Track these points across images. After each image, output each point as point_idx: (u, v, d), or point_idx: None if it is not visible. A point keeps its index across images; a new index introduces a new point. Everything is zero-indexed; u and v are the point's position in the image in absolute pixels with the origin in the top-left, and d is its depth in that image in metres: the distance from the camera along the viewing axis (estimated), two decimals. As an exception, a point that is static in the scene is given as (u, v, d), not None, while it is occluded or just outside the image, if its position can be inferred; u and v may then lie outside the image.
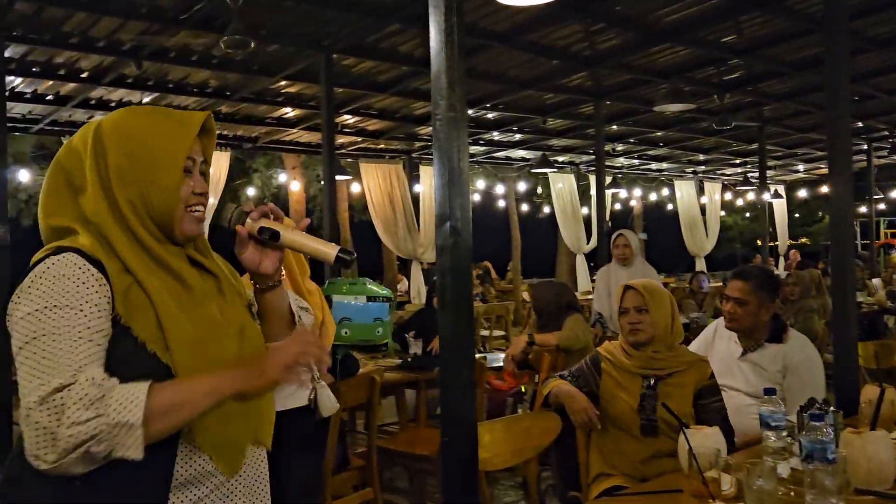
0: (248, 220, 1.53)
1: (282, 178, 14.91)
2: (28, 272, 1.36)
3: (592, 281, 14.21)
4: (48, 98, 8.16)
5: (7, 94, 7.80)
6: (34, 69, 7.24)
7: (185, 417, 1.32)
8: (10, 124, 8.88)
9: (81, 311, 1.31)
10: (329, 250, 1.53)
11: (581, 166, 14.51)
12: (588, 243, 14.33)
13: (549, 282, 6.19)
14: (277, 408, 3.27)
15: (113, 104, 8.54)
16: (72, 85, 7.73)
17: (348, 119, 9.91)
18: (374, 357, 5.43)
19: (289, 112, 9.51)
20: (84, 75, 7.52)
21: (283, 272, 3.37)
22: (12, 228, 6.62)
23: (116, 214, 1.40)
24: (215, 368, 1.38)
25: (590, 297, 9.63)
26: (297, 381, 1.45)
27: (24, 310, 1.31)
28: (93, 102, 8.43)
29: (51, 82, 7.60)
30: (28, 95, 8.02)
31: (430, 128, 10.29)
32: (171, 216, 1.43)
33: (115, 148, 1.41)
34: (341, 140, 10.81)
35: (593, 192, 13.59)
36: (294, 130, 10.25)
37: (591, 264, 14.66)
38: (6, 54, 6.72)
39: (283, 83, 8.20)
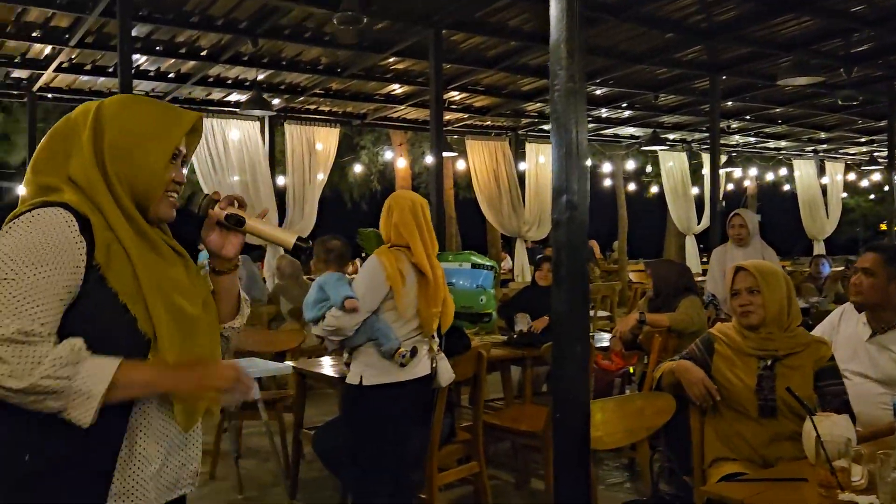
0: (217, 208, 1.66)
1: (388, 154, 15.11)
2: (12, 218, 1.48)
3: (702, 262, 13.83)
4: (170, 76, 8.51)
5: (133, 71, 8.19)
6: (157, 48, 7.55)
7: (136, 395, 1.49)
8: (136, 101, 9.33)
9: (60, 268, 1.43)
10: (288, 238, 1.67)
11: (693, 144, 14.05)
12: (699, 224, 13.90)
13: (670, 261, 6.03)
14: (406, 377, 3.34)
15: (229, 81, 8.83)
16: (191, 63, 8.03)
17: (455, 95, 9.91)
18: (479, 333, 5.44)
19: (397, 88, 9.59)
20: (203, 53, 7.79)
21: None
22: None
23: (106, 183, 1.53)
24: (184, 323, 1.55)
25: (700, 278, 9.34)
26: (224, 400, 1.62)
27: (4, 249, 1.42)
28: (210, 80, 8.74)
29: (172, 60, 7.91)
30: (152, 73, 8.38)
31: (538, 104, 10.19)
32: (151, 195, 1.57)
33: (115, 126, 1.55)
34: (448, 117, 10.83)
35: (706, 170, 13.20)
36: (401, 107, 10.34)
37: (702, 246, 14.24)
38: (133, 34, 7.03)
39: (392, 59, 8.26)
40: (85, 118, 1.56)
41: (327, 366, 4.33)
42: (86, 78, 8.39)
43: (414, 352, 3.34)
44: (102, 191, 1.52)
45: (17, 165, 15.01)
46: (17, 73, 8.15)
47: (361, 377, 3.30)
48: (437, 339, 3.50)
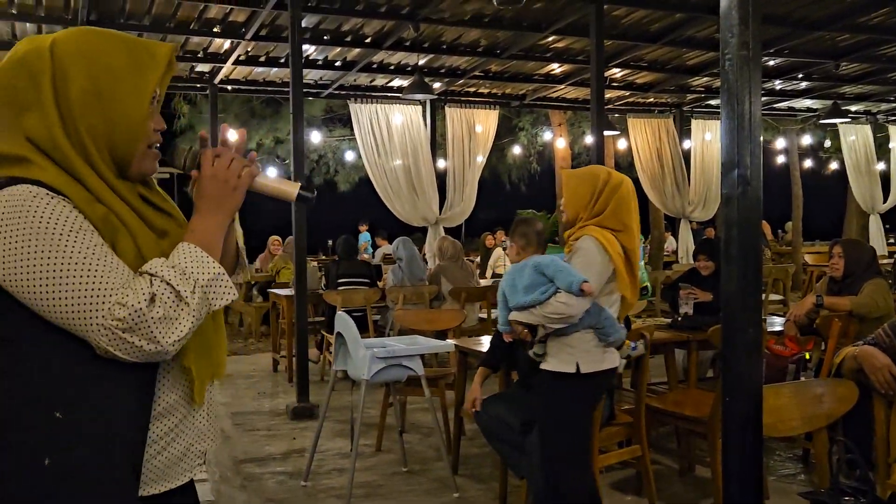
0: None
1: (547, 135, 14.98)
2: None
3: (889, 244, 12.79)
4: (337, 64, 8.84)
5: (303, 61, 8.58)
6: (325, 37, 7.87)
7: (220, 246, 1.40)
8: (305, 90, 9.77)
9: (84, 229, 1.27)
10: (290, 189, 1.50)
11: (879, 116, 12.96)
12: (885, 202, 12.83)
13: (862, 241, 5.64)
14: (615, 363, 3.23)
15: (392, 67, 9.06)
16: (357, 50, 8.30)
17: (616, 72, 9.66)
18: (640, 315, 5.31)
19: (556, 68, 9.47)
20: (367, 41, 8.03)
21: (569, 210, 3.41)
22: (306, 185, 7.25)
23: (76, 143, 1.31)
24: None
25: (886, 261, 8.65)
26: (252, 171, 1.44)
27: (16, 243, 1.23)
28: (374, 66, 9.00)
29: (339, 49, 8.22)
30: (320, 62, 8.74)
31: (705, 78, 9.74)
32: (132, 151, 1.36)
33: (80, 71, 1.31)
34: (609, 95, 10.58)
35: (893, 144, 12.14)
36: (561, 87, 10.21)
37: (887, 226, 13.17)
38: (302, 24, 7.36)
39: (551, 38, 8.17)
40: (39, 60, 1.31)
41: (487, 345, 4.37)
42: (260, 69, 8.88)
43: (646, 346, 3.31)
44: (74, 156, 1.29)
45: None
46: (200, 67, 8.76)
47: (578, 364, 3.17)
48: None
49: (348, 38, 7.96)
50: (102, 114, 1.32)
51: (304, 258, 5.99)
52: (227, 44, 7.93)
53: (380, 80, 9.72)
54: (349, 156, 15.52)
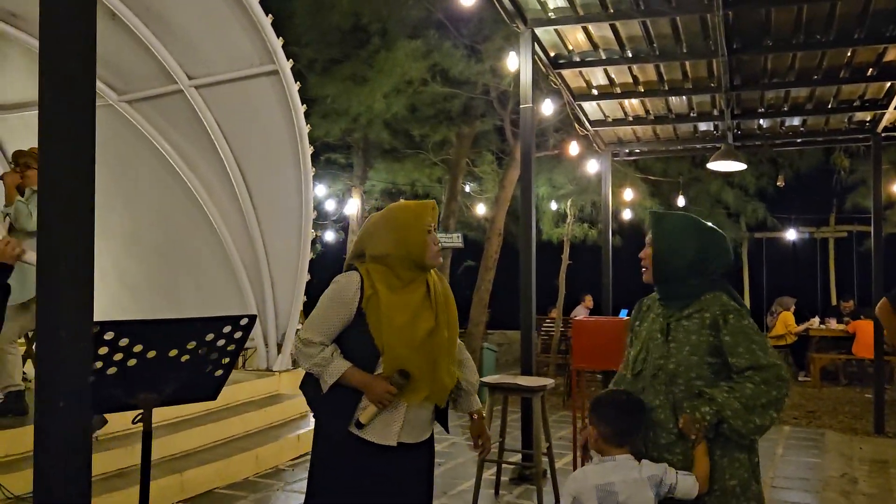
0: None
1: None
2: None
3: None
4: None
5: None
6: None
7: (351, 385, 2.67)
8: None
9: (341, 309, 2.69)
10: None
11: None
12: None
13: None
14: None
15: None
16: None
17: None
18: None
19: None
20: None
21: None
22: None
23: (379, 259, 2.74)
24: (407, 347, 2.65)
25: None
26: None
27: (332, 289, 2.74)
28: None
29: None
30: None
31: None
32: (422, 254, 2.72)
33: (386, 230, 2.80)
34: None
35: None
36: None
37: None
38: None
39: None
40: (371, 224, 2.86)
41: None
42: (938, 108, 7.56)
43: None
44: (375, 265, 2.73)
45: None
46: (859, 116, 7.96)
47: None
48: None
49: None
50: (403, 242, 2.73)
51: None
52: (886, 86, 7.04)
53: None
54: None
